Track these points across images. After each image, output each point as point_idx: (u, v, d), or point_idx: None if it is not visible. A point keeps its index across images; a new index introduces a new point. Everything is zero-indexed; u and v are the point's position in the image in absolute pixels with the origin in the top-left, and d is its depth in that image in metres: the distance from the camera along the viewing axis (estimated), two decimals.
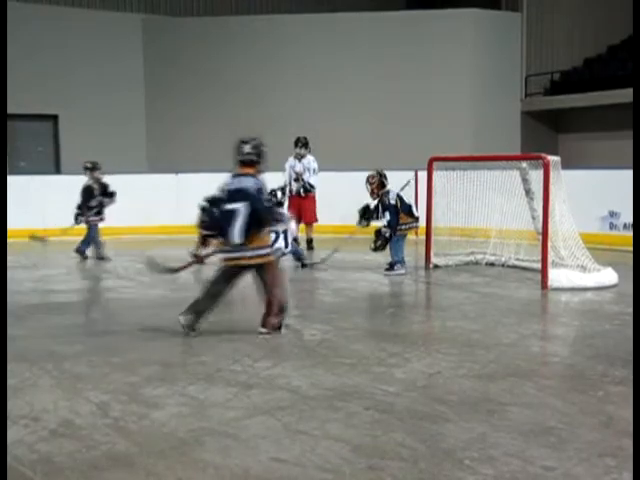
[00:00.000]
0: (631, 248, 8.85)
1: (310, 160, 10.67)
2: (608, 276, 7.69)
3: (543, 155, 7.83)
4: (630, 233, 10.09)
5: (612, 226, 10.74)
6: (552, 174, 7.61)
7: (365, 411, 3.90)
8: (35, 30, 16.09)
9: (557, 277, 7.52)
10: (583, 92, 17.12)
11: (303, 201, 10.58)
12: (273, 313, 5.66)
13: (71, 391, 4.31)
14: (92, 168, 10.16)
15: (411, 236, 9.24)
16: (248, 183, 5.58)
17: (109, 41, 16.96)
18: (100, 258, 9.85)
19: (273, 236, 8.82)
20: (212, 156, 15.62)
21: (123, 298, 7.40)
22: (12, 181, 10.43)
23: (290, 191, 10.33)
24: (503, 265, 8.93)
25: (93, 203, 10.04)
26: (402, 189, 8.80)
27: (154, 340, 5.56)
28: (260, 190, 5.60)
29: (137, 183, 12.84)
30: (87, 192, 10.08)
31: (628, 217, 10.22)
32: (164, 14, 18.26)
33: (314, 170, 10.63)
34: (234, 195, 5.55)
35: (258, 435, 3.58)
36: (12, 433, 3.55)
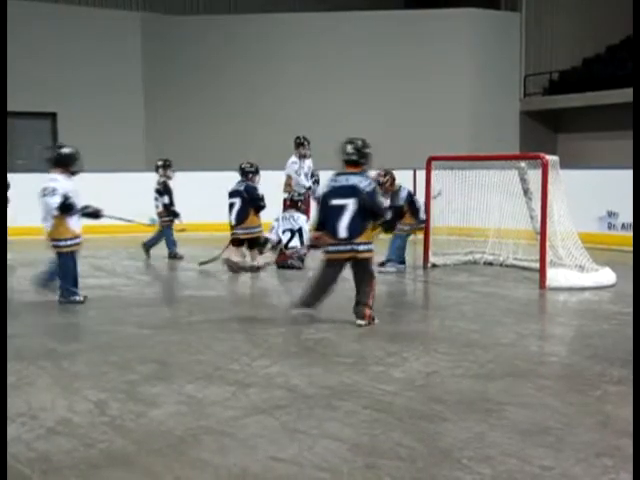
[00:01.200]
0: (629, 248, 8.86)
1: (310, 160, 10.34)
2: (606, 276, 7.70)
3: (542, 155, 7.83)
4: (628, 233, 10.10)
5: (610, 226, 10.75)
6: (550, 174, 7.62)
7: (363, 410, 3.90)
8: (34, 28, 16.07)
9: (555, 277, 7.52)
10: (582, 92, 17.12)
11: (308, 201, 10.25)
12: (369, 305, 5.85)
13: (69, 389, 4.30)
14: (164, 165, 10.10)
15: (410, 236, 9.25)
16: (356, 180, 5.79)
17: (108, 39, 16.94)
18: (150, 255, 9.90)
19: (288, 235, 8.90)
20: (211, 155, 15.69)
21: (121, 296, 7.40)
22: (10, 179, 10.39)
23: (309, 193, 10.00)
24: (501, 265, 8.93)
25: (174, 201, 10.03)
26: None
27: (152, 338, 5.55)
28: (371, 187, 5.82)
29: (135, 181, 12.82)
30: (169, 189, 10.02)
31: (626, 217, 10.23)
32: (163, 12, 18.23)
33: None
34: (341, 191, 5.77)
35: (256, 434, 3.58)
36: (10, 431, 3.55)
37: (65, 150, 6.96)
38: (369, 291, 5.90)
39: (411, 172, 12.28)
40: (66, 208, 6.71)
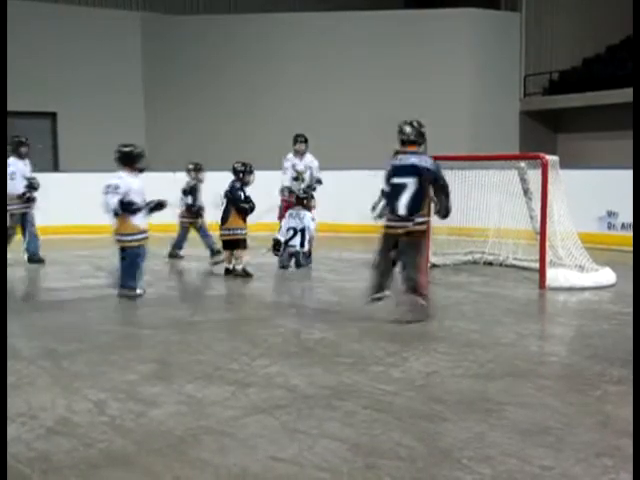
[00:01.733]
0: (629, 248, 8.86)
1: (311, 158, 10.28)
2: (606, 276, 7.70)
3: (541, 155, 7.82)
4: (628, 233, 10.10)
5: (610, 226, 10.74)
6: (550, 174, 7.61)
7: (363, 410, 3.90)
8: (34, 28, 16.07)
9: (555, 277, 7.52)
10: (582, 92, 17.12)
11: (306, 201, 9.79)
12: (419, 293, 6.00)
13: (69, 389, 4.30)
14: (196, 169, 10.00)
15: None
16: (416, 160, 6.03)
17: (108, 39, 16.94)
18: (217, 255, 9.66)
19: (291, 232, 8.85)
20: (211, 155, 15.64)
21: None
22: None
23: (289, 191, 10.04)
24: (501, 264, 8.93)
25: (197, 203, 9.95)
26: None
27: (152, 338, 5.56)
28: (432, 164, 6.07)
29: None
30: (196, 192, 9.92)
31: (626, 217, 10.23)
32: (163, 12, 18.24)
33: (317, 168, 10.22)
34: (403, 170, 6.02)
35: (256, 434, 3.58)
36: (10, 431, 3.55)
37: (125, 148, 7.14)
38: (417, 275, 5.94)
39: None
40: (126, 206, 6.88)
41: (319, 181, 10.26)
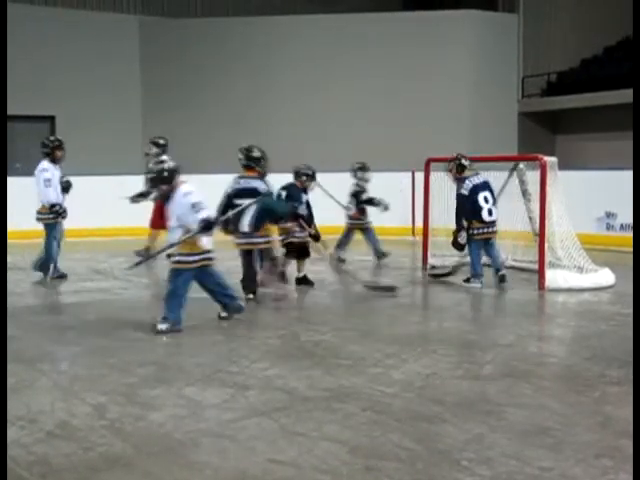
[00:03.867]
0: (628, 249, 8.87)
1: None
2: (605, 277, 7.70)
3: (540, 156, 7.83)
4: (627, 234, 10.10)
5: (609, 227, 10.74)
6: (549, 175, 7.62)
7: (362, 412, 3.90)
8: (32, 31, 16.08)
9: (554, 278, 7.52)
10: (580, 93, 17.13)
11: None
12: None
13: (68, 392, 4.30)
14: (362, 169, 9.60)
15: (409, 236, 9.15)
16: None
17: (106, 42, 16.94)
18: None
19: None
20: (209, 158, 15.68)
21: (120, 299, 7.40)
22: (9, 182, 10.39)
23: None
24: None
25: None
26: None
27: (151, 341, 5.55)
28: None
29: (134, 184, 12.80)
30: (363, 193, 9.52)
31: (625, 218, 10.23)
32: (161, 15, 18.24)
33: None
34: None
35: (255, 436, 3.58)
36: (9, 434, 3.54)
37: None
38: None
39: (409, 174, 12.30)
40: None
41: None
